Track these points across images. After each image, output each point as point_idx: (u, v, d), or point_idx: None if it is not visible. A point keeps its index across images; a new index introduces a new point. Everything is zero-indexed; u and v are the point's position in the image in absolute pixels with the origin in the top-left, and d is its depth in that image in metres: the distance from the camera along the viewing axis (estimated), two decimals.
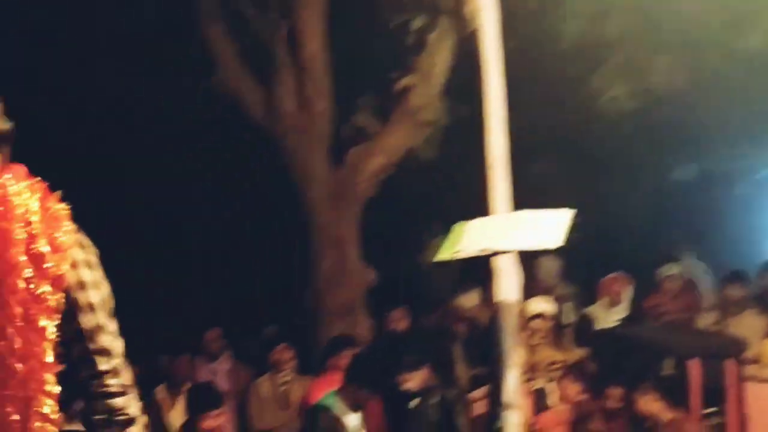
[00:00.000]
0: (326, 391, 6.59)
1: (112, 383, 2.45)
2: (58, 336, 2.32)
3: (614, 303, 8.34)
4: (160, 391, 7.34)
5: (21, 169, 2.40)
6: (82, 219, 2.41)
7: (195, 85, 8.17)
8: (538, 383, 6.49)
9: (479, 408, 7.13)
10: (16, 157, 2.39)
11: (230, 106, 8.03)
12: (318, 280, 7.90)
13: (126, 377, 2.49)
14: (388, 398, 6.57)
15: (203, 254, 9.78)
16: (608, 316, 8.21)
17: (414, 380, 6.61)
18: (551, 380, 6.91)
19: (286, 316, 8.31)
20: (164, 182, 9.32)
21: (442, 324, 8.27)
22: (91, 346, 2.43)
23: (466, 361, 7.82)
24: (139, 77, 8.28)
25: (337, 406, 6.32)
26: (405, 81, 7.41)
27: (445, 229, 5.96)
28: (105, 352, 2.45)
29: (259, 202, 9.50)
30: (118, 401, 2.44)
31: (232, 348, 8.15)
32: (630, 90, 7.88)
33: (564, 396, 6.83)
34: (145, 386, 7.11)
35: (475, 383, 7.54)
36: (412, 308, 8.04)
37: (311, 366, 7.74)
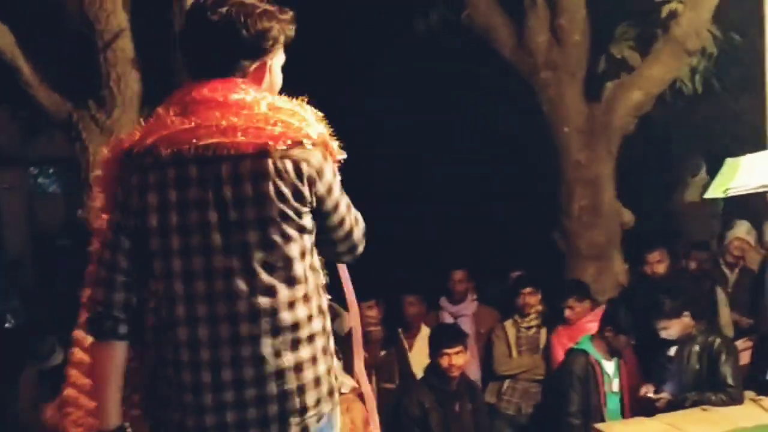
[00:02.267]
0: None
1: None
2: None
3: None
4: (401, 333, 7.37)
5: None
6: None
7: (445, 21, 8.04)
8: None
9: (744, 358, 6.71)
10: None
11: (480, 42, 7.83)
12: (570, 221, 7.64)
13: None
14: (646, 345, 6.31)
15: (452, 195, 9.73)
16: None
17: (673, 327, 6.31)
18: None
19: (536, 258, 8.08)
20: (415, 123, 9.34)
21: (704, 267, 7.83)
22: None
23: (732, 307, 7.38)
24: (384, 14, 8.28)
25: (594, 351, 6.16)
26: (670, 6, 6.93)
27: (709, 165, 5.61)
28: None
29: (510, 141, 9.33)
30: None
31: (479, 291, 8.07)
32: None
33: None
34: (389, 326, 7.22)
35: (741, 332, 7.11)
36: (672, 250, 7.63)
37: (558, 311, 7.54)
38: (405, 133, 9.52)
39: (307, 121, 2.50)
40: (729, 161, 5.65)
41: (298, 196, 2.45)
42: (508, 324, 7.27)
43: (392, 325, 7.38)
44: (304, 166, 2.45)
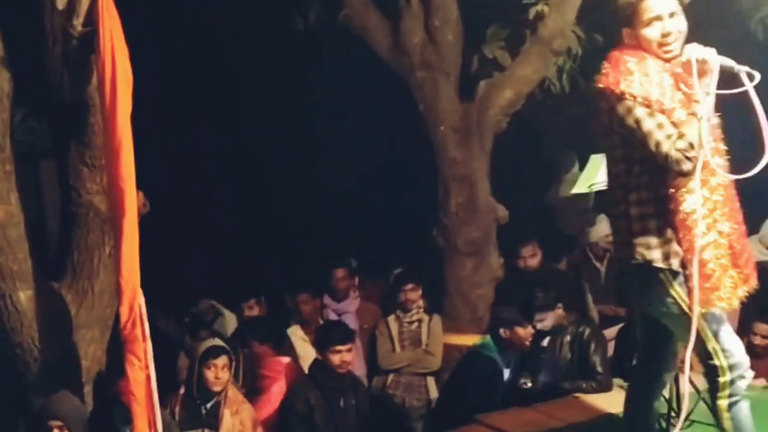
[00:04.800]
0: None
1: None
2: None
3: None
4: (292, 330, 7.41)
5: None
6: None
7: (324, 21, 8.10)
8: None
9: (613, 347, 6.97)
10: None
11: (357, 40, 7.92)
12: (448, 218, 7.79)
13: None
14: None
15: (331, 192, 9.80)
16: (761, 250, 7.82)
17: (547, 319, 6.53)
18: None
19: (415, 254, 8.24)
20: (290, 120, 9.36)
21: (576, 260, 8.10)
22: None
23: (603, 297, 7.66)
24: (260, 17, 8.28)
25: (500, 358, 6.29)
26: (537, 9, 7.13)
27: (580, 162, 5.82)
28: None
29: (386, 140, 9.44)
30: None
31: (361, 287, 8.18)
32: None
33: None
34: (275, 325, 7.26)
35: (610, 321, 7.38)
36: (545, 244, 7.87)
37: (440, 305, 7.70)
38: (286, 133, 9.54)
39: None
40: (594, 158, 5.90)
41: None
42: (391, 319, 7.40)
43: (278, 325, 7.41)
44: None
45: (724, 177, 3.65)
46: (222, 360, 5.60)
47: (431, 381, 7.28)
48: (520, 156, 9.07)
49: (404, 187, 9.37)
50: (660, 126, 3.54)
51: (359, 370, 7.24)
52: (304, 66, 9.14)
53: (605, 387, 6.26)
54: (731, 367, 3.78)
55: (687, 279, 3.66)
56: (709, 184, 3.62)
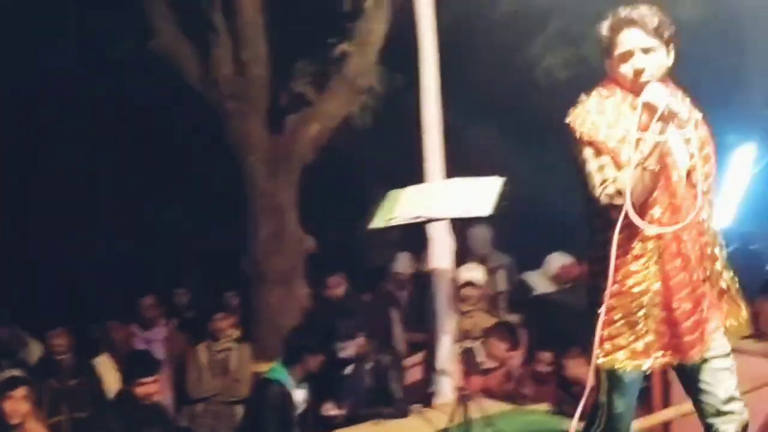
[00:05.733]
0: None
1: None
2: None
3: (564, 283, 8.37)
4: (99, 359, 7.35)
5: None
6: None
7: (133, 48, 8.08)
8: (467, 344, 6.59)
9: (416, 373, 7.24)
10: None
11: (169, 70, 7.95)
12: (257, 248, 7.89)
13: None
14: (326, 364, 6.64)
15: (141, 221, 9.72)
16: (545, 283, 8.31)
17: (350, 348, 6.69)
18: (481, 341, 7.04)
19: (226, 283, 8.31)
20: (99, 149, 9.26)
21: (380, 290, 8.34)
22: None
23: (405, 326, 7.93)
24: (73, 42, 8.20)
25: (288, 380, 6.37)
26: (342, 48, 7.39)
27: (383, 196, 6.04)
28: None
29: (198, 170, 9.45)
30: None
31: (170, 315, 8.18)
32: (564, 59, 7.97)
33: (491, 354, 6.96)
34: (81, 354, 7.18)
35: (413, 349, 7.64)
36: (351, 275, 8.10)
37: (249, 334, 7.80)
38: (96, 161, 9.42)
39: None
40: (391, 193, 6.09)
41: None
42: (201, 348, 7.42)
43: (83, 353, 7.33)
44: None
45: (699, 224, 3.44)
46: (20, 391, 5.52)
47: (240, 409, 7.34)
48: (329, 188, 9.27)
49: (214, 216, 9.41)
50: (600, 168, 3.33)
51: (166, 398, 7.24)
52: (114, 91, 9.07)
53: (403, 412, 6.48)
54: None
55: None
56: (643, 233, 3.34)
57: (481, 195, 5.51)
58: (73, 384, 7.11)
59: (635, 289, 3.36)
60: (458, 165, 6.27)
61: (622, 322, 3.38)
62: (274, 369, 6.53)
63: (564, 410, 6.34)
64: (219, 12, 7.61)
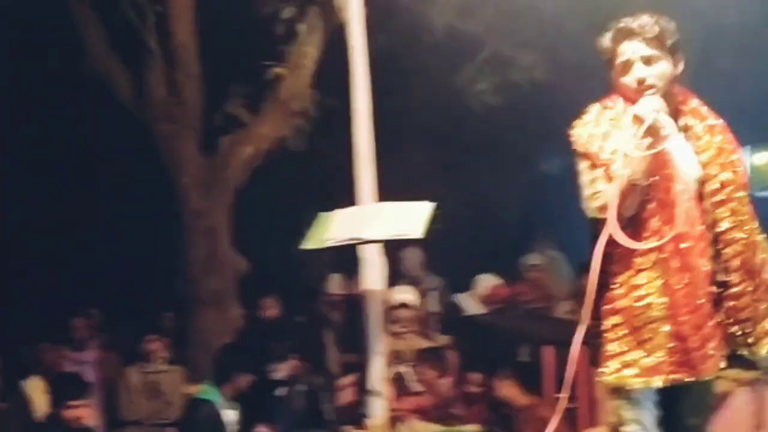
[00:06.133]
0: None
1: None
2: None
3: (493, 304, 8.50)
4: (29, 381, 7.25)
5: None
6: None
7: (66, 67, 8.03)
8: (399, 368, 6.65)
9: (349, 395, 7.28)
10: None
11: (102, 90, 7.92)
12: (189, 269, 7.88)
13: None
14: (258, 386, 6.66)
15: (73, 240, 9.62)
16: (475, 304, 8.42)
17: (283, 369, 6.73)
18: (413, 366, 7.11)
19: (158, 305, 8.26)
20: (31, 166, 9.15)
21: (313, 311, 8.37)
22: None
23: (338, 348, 7.96)
24: (5, 60, 8.12)
25: (219, 400, 6.37)
26: (275, 71, 7.44)
27: (316, 218, 6.08)
28: None
29: (131, 190, 9.39)
30: None
31: (102, 337, 8.10)
32: (495, 84, 8.14)
33: (421, 380, 7.03)
34: (10, 376, 7.08)
35: (346, 370, 7.67)
36: (284, 297, 8.12)
37: (182, 356, 7.76)
38: (29, 181, 9.31)
39: None
40: (323, 215, 6.15)
41: None
42: (132, 370, 7.38)
43: (12, 376, 7.22)
44: None
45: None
46: None
47: None
48: (262, 210, 9.28)
49: (148, 236, 9.35)
50: (592, 181, 3.28)
51: (97, 421, 7.17)
52: (46, 111, 8.98)
53: None
54: None
55: None
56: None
57: (412, 218, 5.59)
58: (1, 407, 7.01)
59: (640, 303, 3.24)
60: (390, 188, 6.35)
61: (630, 338, 3.25)
62: (204, 389, 6.54)
63: (494, 431, 6.46)
64: (152, 33, 7.60)
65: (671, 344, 3.22)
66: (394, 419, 5.68)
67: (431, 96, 8.40)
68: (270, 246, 9.21)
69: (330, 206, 6.12)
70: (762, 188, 7.44)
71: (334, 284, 8.35)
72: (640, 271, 3.25)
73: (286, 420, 6.67)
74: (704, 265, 3.29)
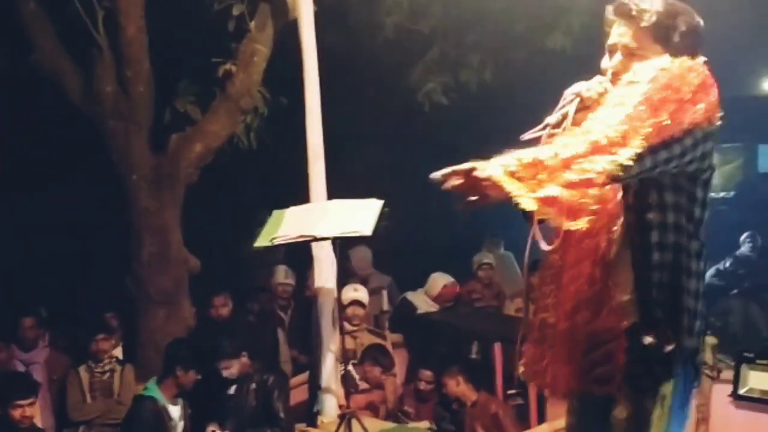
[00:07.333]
0: None
1: None
2: None
3: (445, 302, 8.58)
4: None
5: None
6: None
7: (13, 63, 7.93)
8: (348, 366, 6.69)
9: (301, 393, 7.29)
10: None
11: (51, 86, 7.83)
12: (140, 267, 7.83)
13: None
14: (209, 385, 6.64)
15: (20, 240, 9.51)
16: (427, 302, 8.48)
17: (233, 367, 6.70)
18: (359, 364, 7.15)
19: (109, 304, 8.20)
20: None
21: (265, 309, 8.37)
22: None
23: (290, 345, 7.97)
24: None
25: (161, 396, 6.35)
26: (226, 68, 7.42)
27: (268, 216, 6.10)
28: None
29: (80, 188, 9.30)
30: None
31: (51, 336, 8.01)
32: (444, 84, 8.19)
33: (366, 378, 7.07)
34: None
35: (298, 368, 7.69)
36: (236, 294, 8.10)
37: (133, 355, 7.71)
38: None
39: None
40: (275, 213, 6.17)
41: None
42: (82, 369, 7.31)
43: None
44: None
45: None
46: None
47: None
48: (213, 208, 9.25)
49: (97, 235, 9.26)
50: None
51: (47, 422, 7.10)
52: None
53: None
54: None
55: None
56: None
57: (362, 216, 5.64)
58: None
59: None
60: (341, 186, 6.37)
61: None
62: (148, 386, 6.52)
63: (444, 428, 6.51)
64: (101, 29, 7.53)
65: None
66: (345, 417, 5.70)
67: (382, 95, 8.44)
68: (221, 244, 9.18)
69: (281, 204, 6.14)
70: None
71: (280, 274, 8.35)
72: None
73: (238, 418, 6.65)
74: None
